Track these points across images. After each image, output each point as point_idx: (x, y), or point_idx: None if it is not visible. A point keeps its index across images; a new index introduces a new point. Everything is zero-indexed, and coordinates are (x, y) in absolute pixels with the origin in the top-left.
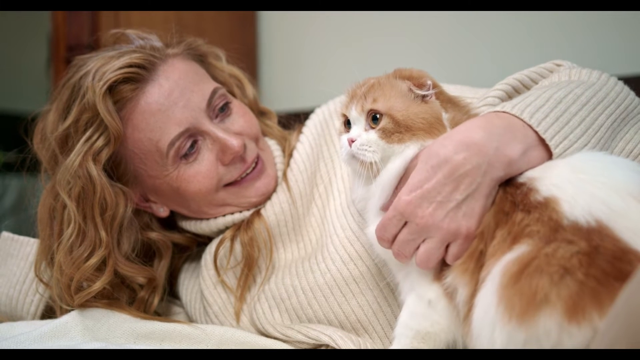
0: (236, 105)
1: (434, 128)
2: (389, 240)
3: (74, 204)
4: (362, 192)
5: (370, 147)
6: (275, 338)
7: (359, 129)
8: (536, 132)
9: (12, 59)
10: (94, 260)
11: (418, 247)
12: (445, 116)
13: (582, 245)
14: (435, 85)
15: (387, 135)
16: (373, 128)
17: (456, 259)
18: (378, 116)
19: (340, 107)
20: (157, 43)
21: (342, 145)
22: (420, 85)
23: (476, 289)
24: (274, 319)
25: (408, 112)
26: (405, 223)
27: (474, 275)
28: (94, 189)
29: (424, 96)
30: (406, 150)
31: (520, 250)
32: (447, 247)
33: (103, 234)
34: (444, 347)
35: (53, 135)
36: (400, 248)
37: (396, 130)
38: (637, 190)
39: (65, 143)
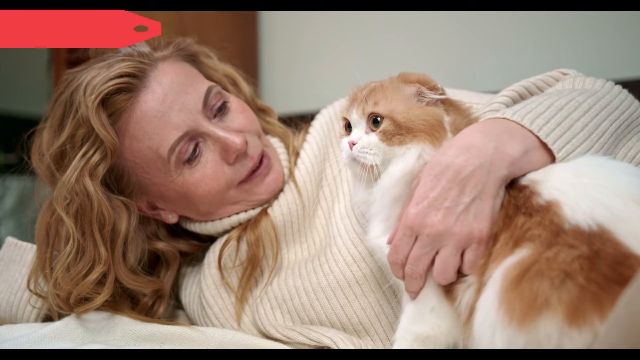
0: (234, 102)
1: (435, 130)
2: (403, 262)
3: (72, 220)
4: (363, 195)
5: (371, 149)
6: (276, 339)
7: (360, 132)
8: (537, 137)
9: (12, 60)
10: (93, 276)
11: (432, 262)
12: (446, 119)
13: (583, 250)
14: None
15: (388, 137)
16: (374, 131)
17: (473, 266)
18: (379, 119)
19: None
20: (145, 48)
21: (342, 148)
22: (434, 89)
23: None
24: (275, 320)
25: (409, 114)
26: (416, 239)
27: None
28: (91, 205)
29: (430, 99)
30: (407, 153)
31: (521, 254)
32: (462, 254)
33: (102, 250)
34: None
35: (49, 152)
36: (413, 266)
37: (397, 132)
38: (639, 195)
39: (61, 160)
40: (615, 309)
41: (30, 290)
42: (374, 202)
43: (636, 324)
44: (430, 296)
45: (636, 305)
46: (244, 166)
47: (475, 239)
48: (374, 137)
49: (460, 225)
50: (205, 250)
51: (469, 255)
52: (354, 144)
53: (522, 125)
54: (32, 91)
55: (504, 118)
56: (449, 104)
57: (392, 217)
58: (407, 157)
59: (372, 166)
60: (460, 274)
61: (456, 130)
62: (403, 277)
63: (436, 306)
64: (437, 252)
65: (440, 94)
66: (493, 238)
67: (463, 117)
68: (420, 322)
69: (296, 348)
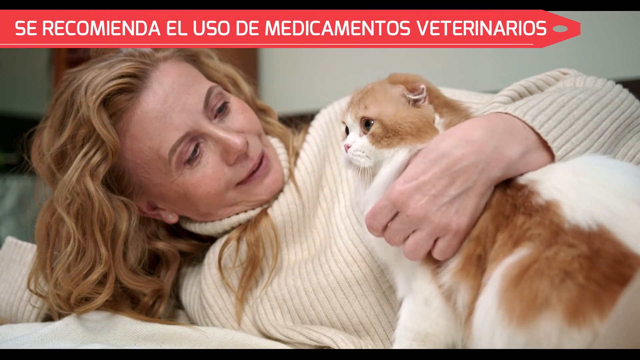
0: (234, 103)
1: (422, 132)
2: (378, 229)
3: (72, 220)
4: (360, 196)
5: (363, 152)
6: (276, 339)
7: (355, 135)
8: (538, 135)
9: (13, 60)
10: (93, 277)
11: (407, 237)
12: (439, 121)
13: (583, 249)
14: (429, 90)
15: (377, 140)
16: (366, 134)
17: (443, 255)
18: (371, 122)
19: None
20: (146, 48)
21: (342, 151)
22: (413, 90)
23: (478, 293)
24: (275, 320)
25: (396, 116)
26: (397, 213)
27: (476, 279)
28: (92, 205)
29: (416, 100)
30: (395, 156)
31: (521, 253)
32: (436, 241)
33: (103, 250)
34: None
35: (49, 152)
36: (391, 236)
37: (385, 135)
38: (639, 194)
39: (62, 160)
40: (615, 309)
41: (31, 290)
42: (368, 204)
43: (637, 323)
44: (423, 287)
45: (636, 305)
46: (244, 167)
47: (451, 231)
48: (365, 140)
49: (440, 215)
50: (205, 250)
51: (441, 244)
52: (349, 147)
53: (524, 122)
54: (33, 91)
55: (506, 113)
56: (443, 105)
57: None
58: (395, 160)
59: (364, 169)
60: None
61: None
62: (378, 237)
63: (429, 298)
64: (413, 231)
65: (419, 94)
66: (475, 240)
67: (460, 117)
68: (419, 319)
69: (296, 348)
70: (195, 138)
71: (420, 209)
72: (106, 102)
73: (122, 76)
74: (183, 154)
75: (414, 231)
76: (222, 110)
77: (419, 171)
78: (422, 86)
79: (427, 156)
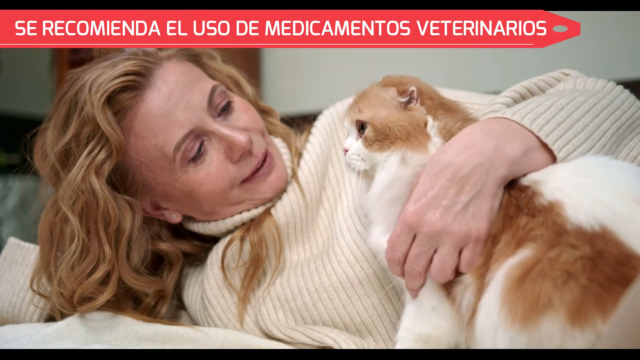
0: (238, 102)
1: (412, 137)
2: (400, 260)
3: (77, 219)
4: (362, 198)
5: (358, 156)
6: (279, 339)
7: (352, 139)
8: (538, 137)
9: (15, 61)
10: (97, 275)
11: (431, 261)
12: (432, 124)
13: (585, 250)
14: (421, 92)
15: (370, 143)
16: (361, 137)
17: (470, 265)
18: (365, 125)
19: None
20: (149, 48)
21: (342, 154)
22: (403, 92)
23: (481, 294)
24: (278, 320)
25: (387, 120)
26: (415, 237)
27: (482, 279)
28: (97, 203)
29: (407, 103)
30: (388, 160)
31: (524, 254)
32: (460, 253)
33: (107, 248)
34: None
35: (53, 151)
36: (413, 264)
37: (376, 138)
38: None
39: (67, 158)
40: (617, 310)
41: (34, 290)
42: (371, 209)
43: (638, 324)
44: (431, 296)
45: (639, 306)
46: (248, 165)
47: (472, 238)
48: (359, 143)
49: (458, 224)
50: (208, 250)
51: (466, 254)
52: (346, 151)
53: (523, 125)
54: (35, 92)
55: (504, 118)
56: (438, 107)
57: (391, 217)
58: (387, 165)
59: (359, 172)
60: (458, 273)
61: (448, 134)
62: (401, 275)
63: (437, 306)
64: (435, 251)
65: (409, 97)
66: (492, 239)
67: (456, 119)
68: (422, 322)
69: (299, 348)
70: (199, 136)
71: (437, 222)
72: (110, 100)
73: (126, 74)
74: (187, 152)
75: (435, 251)
76: (225, 109)
77: (426, 187)
78: (412, 88)
79: (430, 171)
